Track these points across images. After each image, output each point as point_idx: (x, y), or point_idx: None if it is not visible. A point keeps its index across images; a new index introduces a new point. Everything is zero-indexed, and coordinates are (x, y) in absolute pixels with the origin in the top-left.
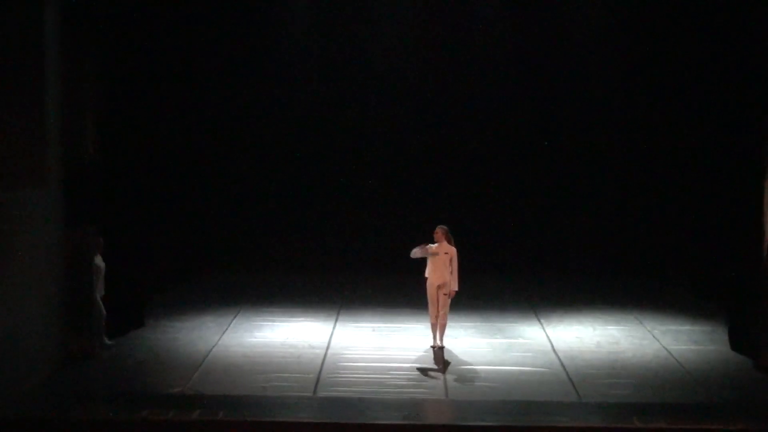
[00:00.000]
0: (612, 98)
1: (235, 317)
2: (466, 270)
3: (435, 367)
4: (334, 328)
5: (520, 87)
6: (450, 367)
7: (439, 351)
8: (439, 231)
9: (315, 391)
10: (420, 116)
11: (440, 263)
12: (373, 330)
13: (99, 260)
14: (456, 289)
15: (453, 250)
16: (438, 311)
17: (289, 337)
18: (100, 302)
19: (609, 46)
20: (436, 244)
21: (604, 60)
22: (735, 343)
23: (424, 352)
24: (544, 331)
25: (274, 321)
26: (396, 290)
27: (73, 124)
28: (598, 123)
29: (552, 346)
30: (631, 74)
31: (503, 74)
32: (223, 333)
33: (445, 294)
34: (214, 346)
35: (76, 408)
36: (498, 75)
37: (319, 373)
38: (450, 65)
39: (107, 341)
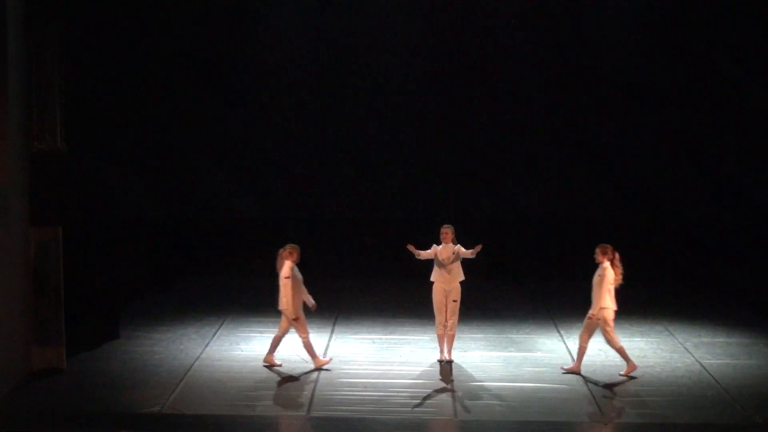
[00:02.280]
0: (632, 100)
1: (219, 328)
2: (478, 276)
3: (442, 383)
4: (329, 340)
5: (538, 88)
6: (459, 384)
7: (447, 365)
8: (449, 231)
9: (309, 411)
10: (424, 114)
11: (448, 265)
12: (374, 342)
13: (296, 270)
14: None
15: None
16: (446, 320)
17: (280, 351)
18: (304, 317)
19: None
20: (441, 246)
21: (630, 67)
22: None
23: (430, 366)
24: (564, 343)
25: (263, 332)
26: (398, 297)
27: (38, 115)
28: (623, 124)
29: (573, 359)
30: (652, 79)
31: (522, 76)
32: (207, 345)
33: (454, 301)
34: (196, 360)
35: (38, 430)
36: (517, 77)
37: (313, 390)
38: (460, 61)
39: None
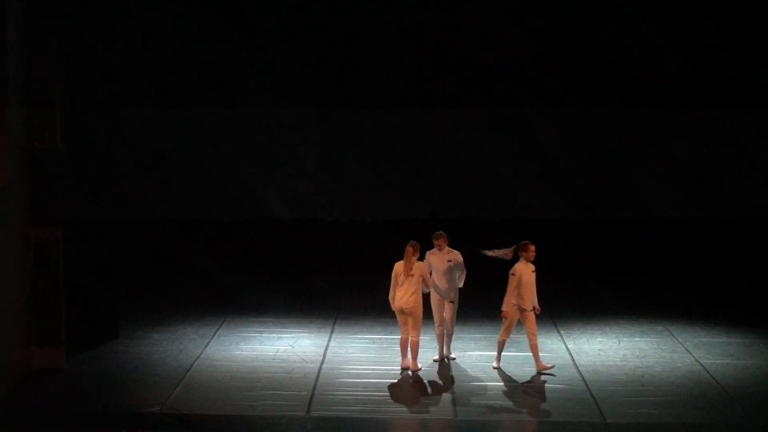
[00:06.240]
0: (626, 96)
1: (219, 328)
2: (477, 276)
3: (442, 383)
4: (329, 340)
5: (536, 87)
6: (458, 384)
7: (446, 365)
8: (442, 237)
9: (309, 411)
10: (423, 112)
11: (444, 271)
12: (374, 342)
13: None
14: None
15: (458, 254)
16: (443, 320)
17: (279, 351)
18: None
19: None
20: (433, 250)
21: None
22: None
23: (430, 366)
24: (564, 343)
25: (263, 332)
26: None
27: (38, 115)
28: (621, 120)
29: (573, 360)
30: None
31: (517, 72)
32: (207, 345)
33: (451, 302)
34: (196, 360)
35: (38, 430)
36: (511, 73)
37: (313, 390)
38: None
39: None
